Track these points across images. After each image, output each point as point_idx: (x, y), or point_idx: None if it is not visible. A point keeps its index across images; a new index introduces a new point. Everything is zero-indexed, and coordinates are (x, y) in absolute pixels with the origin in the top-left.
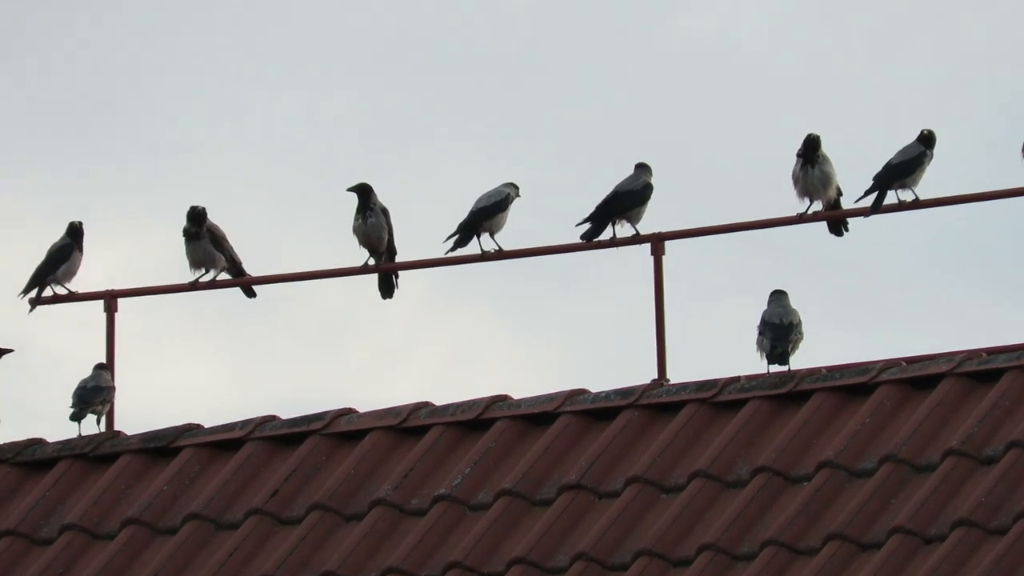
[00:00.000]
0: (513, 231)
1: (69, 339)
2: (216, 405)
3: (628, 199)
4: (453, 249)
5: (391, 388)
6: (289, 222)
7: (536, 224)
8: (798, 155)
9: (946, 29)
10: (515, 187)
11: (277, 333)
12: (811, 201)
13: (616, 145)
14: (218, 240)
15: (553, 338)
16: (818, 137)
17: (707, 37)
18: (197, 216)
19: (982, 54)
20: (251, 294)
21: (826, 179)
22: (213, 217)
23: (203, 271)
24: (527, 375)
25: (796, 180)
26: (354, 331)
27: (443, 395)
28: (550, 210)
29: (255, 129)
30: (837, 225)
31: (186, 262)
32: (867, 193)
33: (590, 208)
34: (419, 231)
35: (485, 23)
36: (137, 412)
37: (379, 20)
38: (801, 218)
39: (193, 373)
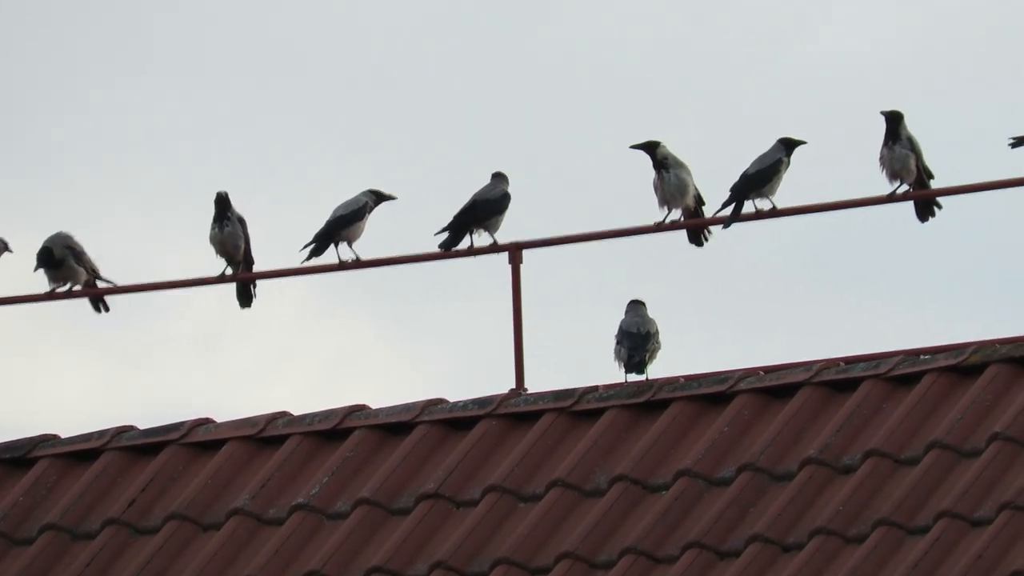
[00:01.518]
0: (376, 239)
1: None
2: (82, 416)
3: (486, 208)
4: (309, 258)
5: (265, 398)
6: (156, 231)
7: (397, 233)
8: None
9: (815, 34)
10: (374, 194)
11: (151, 343)
12: (669, 210)
13: (474, 153)
14: (79, 255)
15: (419, 347)
16: (658, 143)
17: (566, 46)
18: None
19: (847, 65)
20: (99, 309)
21: (682, 186)
22: (74, 227)
23: (62, 283)
24: (397, 384)
25: (656, 189)
26: (229, 341)
27: (317, 405)
28: (410, 219)
29: (119, 136)
30: (697, 235)
31: (45, 276)
32: (725, 204)
33: (449, 217)
34: (282, 240)
35: (346, 30)
36: None
37: (244, 26)
38: (659, 227)
39: (58, 384)
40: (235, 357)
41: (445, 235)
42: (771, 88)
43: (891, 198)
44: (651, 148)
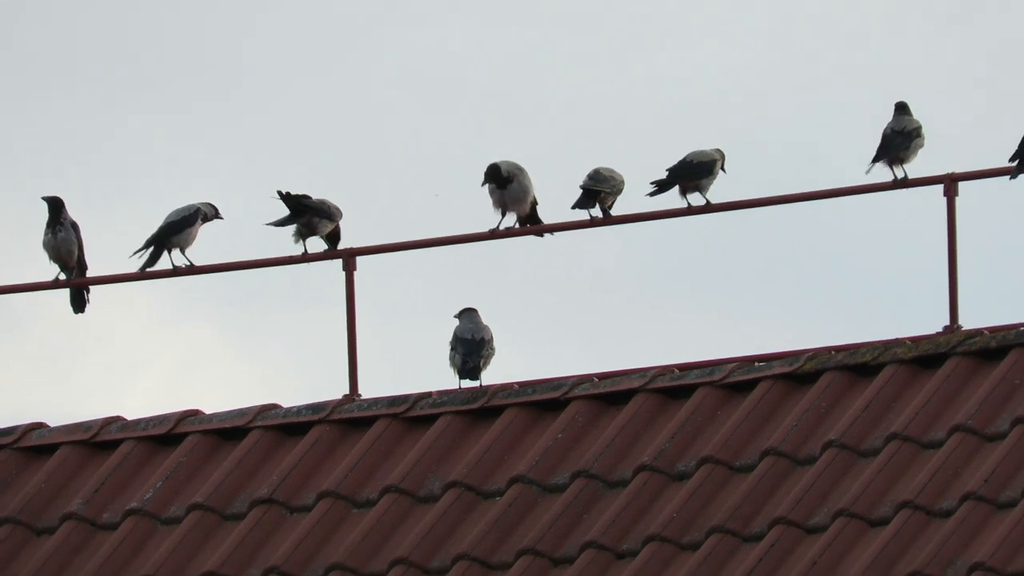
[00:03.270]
0: (214, 246)
1: None
2: None
3: (323, 209)
4: (144, 266)
5: (111, 406)
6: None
7: (235, 238)
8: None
9: (655, 49)
10: (212, 206)
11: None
12: (504, 214)
13: (310, 160)
14: None
15: (260, 353)
16: (497, 167)
17: (406, 54)
18: None
19: (689, 78)
20: None
21: (523, 191)
22: None
23: None
24: (243, 390)
25: (492, 192)
26: (76, 348)
27: (168, 409)
28: (248, 225)
29: None
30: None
31: None
32: (576, 204)
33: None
34: (116, 246)
35: (184, 39)
36: None
37: (85, 31)
38: (494, 234)
39: None
40: (81, 365)
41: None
42: (611, 98)
43: (690, 209)
44: (496, 176)
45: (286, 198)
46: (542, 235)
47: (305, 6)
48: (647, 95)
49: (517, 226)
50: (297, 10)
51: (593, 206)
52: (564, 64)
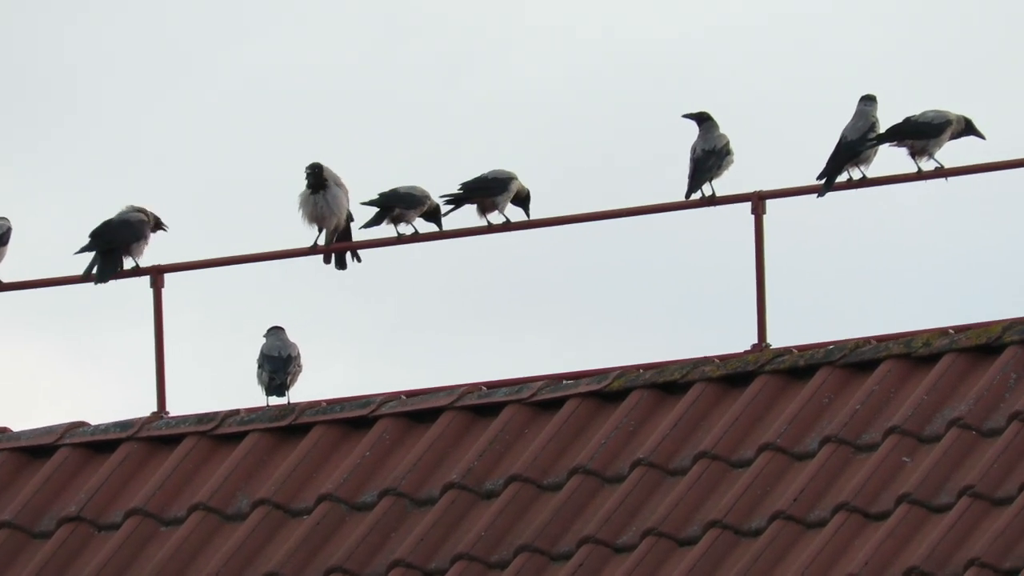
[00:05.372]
0: (22, 263)
1: None
2: None
3: (127, 232)
4: None
5: None
6: None
7: (46, 256)
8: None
9: (495, 63)
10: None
11: None
12: (320, 228)
13: (120, 176)
14: None
15: (76, 371)
16: (321, 166)
17: (227, 69)
18: None
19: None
20: None
21: (337, 205)
22: None
23: None
24: (54, 407)
25: (305, 204)
26: None
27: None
28: (54, 242)
29: None
30: (342, 259)
31: None
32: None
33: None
34: None
35: (8, 45)
36: None
37: None
38: (313, 250)
39: None
40: None
41: (90, 261)
42: (436, 114)
43: (490, 228)
44: (317, 175)
45: (91, 247)
46: (345, 267)
47: (135, 21)
48: (472, 111)
49: (321, 243)
50: (125, 26)
51: (380, 223)
52: (391, 80)
